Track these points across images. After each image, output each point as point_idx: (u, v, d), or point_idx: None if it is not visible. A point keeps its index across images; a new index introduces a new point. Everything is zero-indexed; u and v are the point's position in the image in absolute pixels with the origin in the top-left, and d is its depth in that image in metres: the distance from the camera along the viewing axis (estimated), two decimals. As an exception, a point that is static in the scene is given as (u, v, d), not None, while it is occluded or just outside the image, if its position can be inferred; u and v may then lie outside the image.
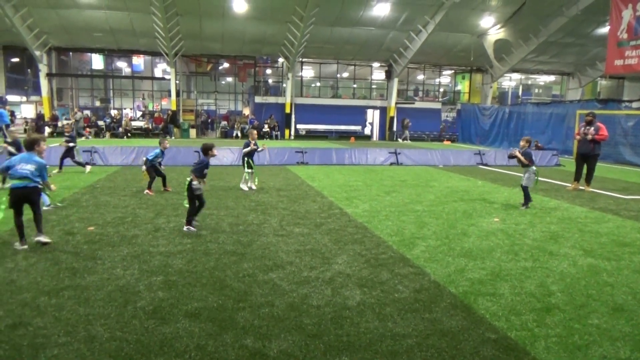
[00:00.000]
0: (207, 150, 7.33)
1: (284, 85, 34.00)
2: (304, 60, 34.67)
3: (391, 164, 17.48)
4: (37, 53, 27.89)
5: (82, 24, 27.44)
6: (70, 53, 32.43)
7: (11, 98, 30.02)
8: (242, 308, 4.36)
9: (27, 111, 30.77)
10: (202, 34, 29.11)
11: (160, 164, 10.40)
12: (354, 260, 5.83)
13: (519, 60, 32.65)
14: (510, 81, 41.89)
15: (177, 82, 31.20)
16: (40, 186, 6.08)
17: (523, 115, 28.47)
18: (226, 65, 35.52)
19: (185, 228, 7.04)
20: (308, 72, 38.00)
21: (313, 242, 6.59)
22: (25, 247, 5.95)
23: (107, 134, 28.60)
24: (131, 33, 28.89)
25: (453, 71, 39.81)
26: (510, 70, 35.77)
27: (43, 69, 28.71)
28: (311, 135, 33.91)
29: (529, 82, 43.04)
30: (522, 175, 9.54)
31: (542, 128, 26.49)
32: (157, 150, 10.33)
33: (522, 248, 6.51)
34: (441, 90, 41.00)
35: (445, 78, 41.64)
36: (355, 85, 39.00)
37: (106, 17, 26.84)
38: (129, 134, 28.69)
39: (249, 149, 10.78)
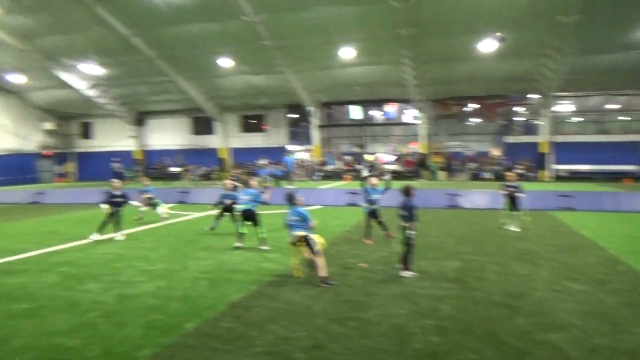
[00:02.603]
0: (409, 191, 7.36)
1: (538, 123, 31.51)
2: (559, 94, 31.56)
3: (689, 212, 14.10)
4: (310, 109, 32.95)
5: (345, 81, 31.26)
6: (335, 106, 37.22)
7: (291, 147, 36.08)
8: (524, 368, 4.09)
9: (301, 157, 36.30)
10: (450, 77, 29.64)
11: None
12: (659, 331, 4.85)
13: None
14: None
15: (426, 126, 32.30)
16: None
17: None
18: (473, 106, 35.09)
19: (406, 273, 7.05)
20: (565, 107, 34.30)
21: (597, 303, 5.77)
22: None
23: (364, 177, 31.38)
24: (384, 84, 31.46)
25: None
26: None
27: (314, 122, 33.70)
28: (573, 176, 30.19)
29: None
30: None
31: None
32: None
33: None
34: None
35: None
36: (628, 118, 33.34)
37: (363, 72, 29.98)
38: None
39: (505, 192, 11.29)
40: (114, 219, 10.47)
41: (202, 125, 37.73)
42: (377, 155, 35.86)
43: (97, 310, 5.64)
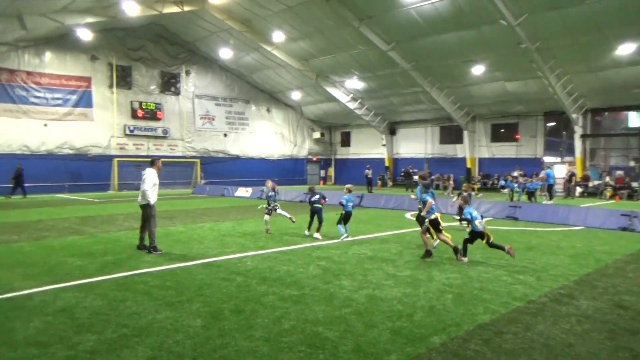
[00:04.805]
0: None
1: None
2: None
3: None
4: (574, 116, 29.07)
5: (620, 83, 26.46)
6: (606, 113, 31.92)
7: (547, 159, 32.51)
8: None
9: (559, 171, 32.33)
10: None
11: None
12: None
13: None
14: None
15: None
16: None
17: None
18: None
19: None
20: None
21: None
22: None
23: (644, 198, 26.07)
24: (682, 83, 25.51)
25: None
26: None
27: (578, 131, 29.57)
28: None
29: None
30: None
31: None
32: None
33: None
34: None
35: None
36: None
37: (649, 71, 24.88)
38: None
39: None
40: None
41: (449, 134, 37.44)
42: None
43: (350, 307, 6.11)
